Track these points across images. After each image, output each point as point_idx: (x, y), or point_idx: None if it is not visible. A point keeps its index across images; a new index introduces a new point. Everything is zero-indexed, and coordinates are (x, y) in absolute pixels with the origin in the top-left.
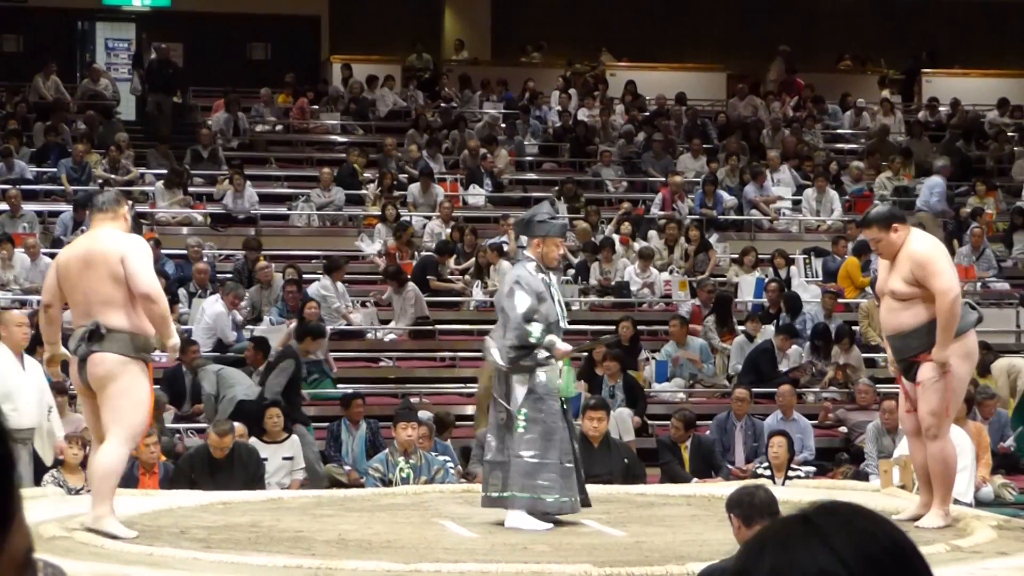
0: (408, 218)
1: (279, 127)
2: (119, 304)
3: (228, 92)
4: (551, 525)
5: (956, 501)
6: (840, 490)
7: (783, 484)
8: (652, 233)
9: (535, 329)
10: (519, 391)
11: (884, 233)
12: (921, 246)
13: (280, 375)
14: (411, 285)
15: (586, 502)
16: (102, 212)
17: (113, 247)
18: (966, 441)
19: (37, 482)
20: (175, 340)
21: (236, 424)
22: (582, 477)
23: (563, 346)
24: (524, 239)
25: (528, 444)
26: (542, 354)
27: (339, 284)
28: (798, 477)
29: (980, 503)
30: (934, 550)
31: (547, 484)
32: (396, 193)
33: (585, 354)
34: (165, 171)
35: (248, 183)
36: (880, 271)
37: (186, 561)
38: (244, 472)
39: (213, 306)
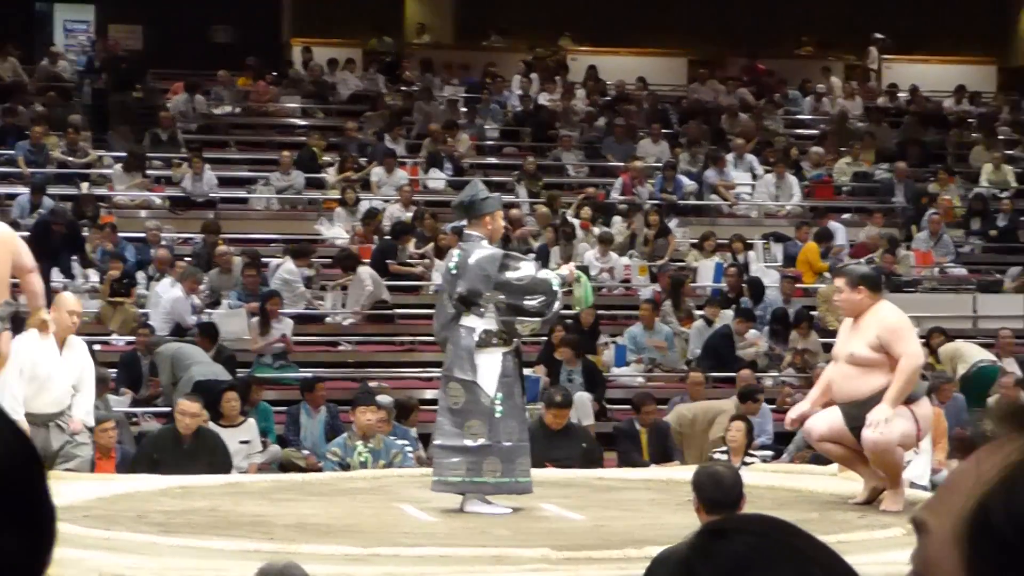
0: (368, 202)
1: (239, 110)
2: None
3: (189, 75)
4: (510, 509)
5: (913, 484)
6: (798, 474)
7: (739, 468)
8: (616, 219)
9: (552, 276)
10: (491, 375)
11: (847, 288)
12: (892, 314)
13: None
14: (364, 269)
15: None
16: None
17: (8, 231)
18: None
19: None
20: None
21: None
22: None
23: (565, 270)
24: (465, 221)
25: (508, 430)
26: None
27: (303, 269)
28: (755, 461)
29: (937, 487)
30: (891, 533)
31: (524, 467)
32: (356, 176)
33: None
34: (124, 154)
35: (207, 166)
36: (840, 335)
37: (144, 545)
38: (209, 458)
39: (171, 291)
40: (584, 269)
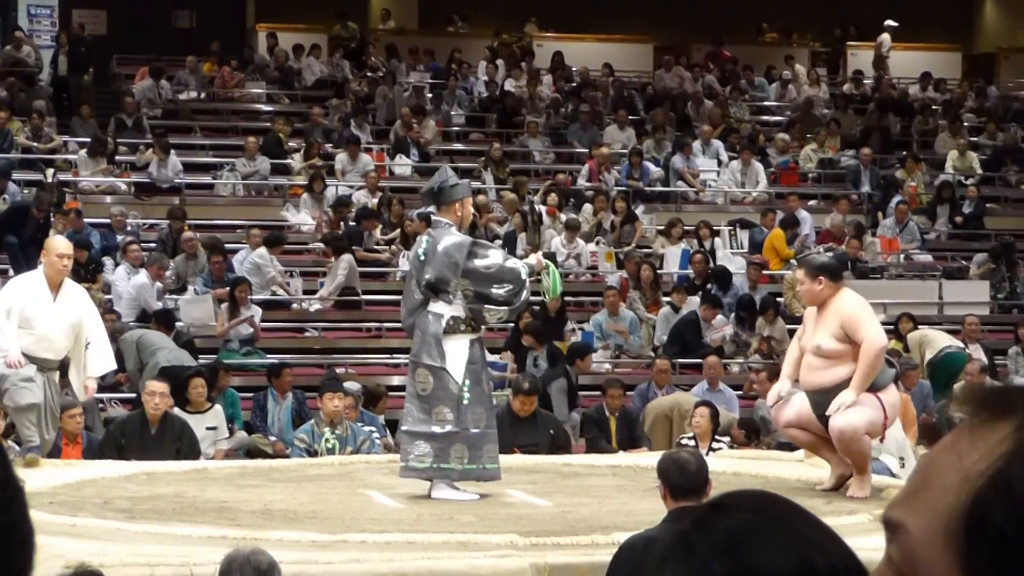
0: (334, 188)
1: (204, 96)
2: None
3: (152, 60)
4: (477, 496)
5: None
6: (764, 460)
7: (706, 454)
8: (587, 207)
9: (520, 266)
10: (459, 361)
11: (807, 279)
12: (851, 303)
13: (560, 396)
14: (347, 256)
15: None
16: None
17: None
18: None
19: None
20: None
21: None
22: None
23: (533, 259)
24: (433, 207)
25: (475, 416)
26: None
27: (274, 256)
28: (722, 447)
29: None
30: (857, 519)
31: (491, 454)
32: (321, 163)
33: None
34: (88, 139)
35: (172, 152)
36: (806, 325)
37: (110, 531)
38: (176, 444)
39: (135, 277)
40: (551, 257)
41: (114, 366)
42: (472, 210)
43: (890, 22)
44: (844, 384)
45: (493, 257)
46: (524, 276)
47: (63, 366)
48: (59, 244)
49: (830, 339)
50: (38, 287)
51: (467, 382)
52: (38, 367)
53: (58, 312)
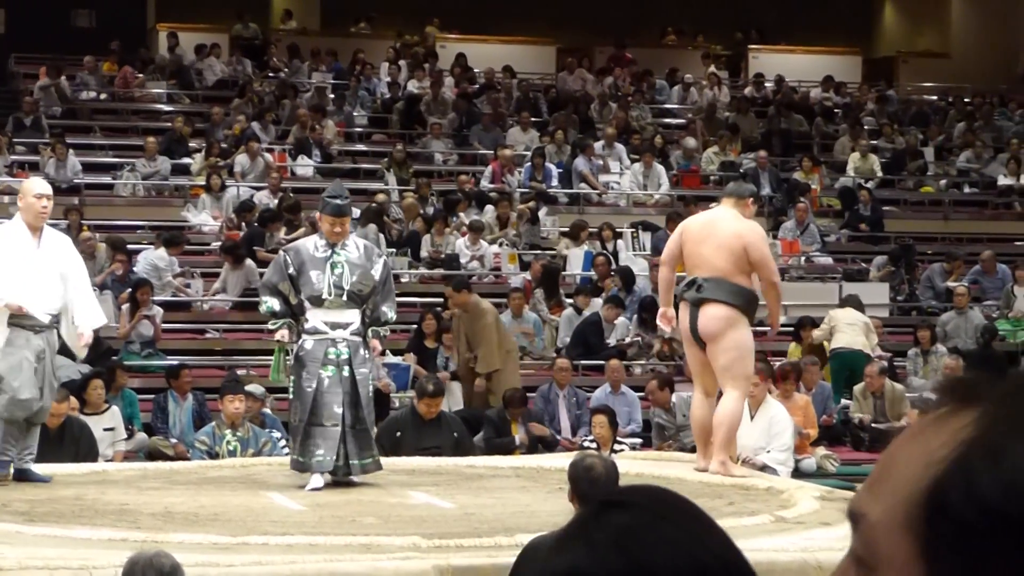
0: (235, 188)
1: (104, 96)
2: None
3: (51, 59)
4: (321, 484)
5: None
6: (667, 461)
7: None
8: (490, 208)
9: (265, 302)
10: (295, 356)
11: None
12: None
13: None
14: (250, 262)
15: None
16: None
17: None
18: (786, 416)
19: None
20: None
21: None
22: (365, 440)
23: (284, 333)
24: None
25: (295, 409)
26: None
27: (173, 257)
28: (624, 449)
29: (803, 474)
30: (758, 520)
31: (318, 449)
32: (223, 163)
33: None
34: None
35: (71, 152)
36: None
37: (8, 535)
38: (75, 447)
39: None
40: (455, 258)
41: (105, 320)
42: (329, 227)
43: None
44: None
45: (268, 273)
46: (261, 310)
47: (58, 322)
48: (35, 185)
49: None
50: (18, 234)
51: (292, 377)
52: (32, 327)
53: (43, 259)
